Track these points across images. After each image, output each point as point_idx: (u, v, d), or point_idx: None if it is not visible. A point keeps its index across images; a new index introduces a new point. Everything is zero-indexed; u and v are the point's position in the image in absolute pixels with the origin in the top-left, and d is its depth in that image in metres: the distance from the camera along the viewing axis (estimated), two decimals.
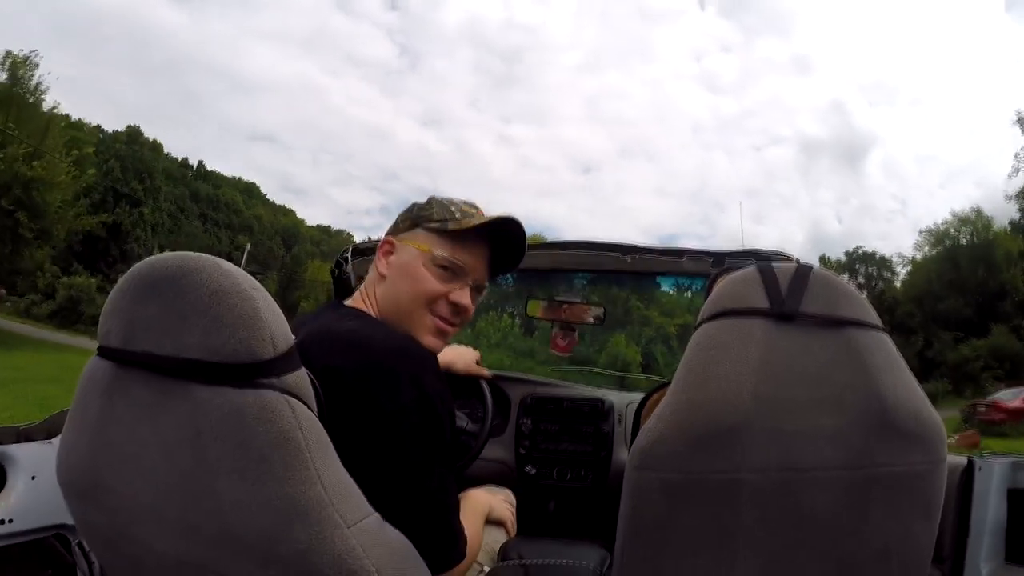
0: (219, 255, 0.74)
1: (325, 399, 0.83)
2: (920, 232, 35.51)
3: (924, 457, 0.78)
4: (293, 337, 0.74)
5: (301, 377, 0.72)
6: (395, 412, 0.86)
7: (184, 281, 0.69)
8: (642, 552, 0.83)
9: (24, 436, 1.16)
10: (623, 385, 2.74)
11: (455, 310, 1.08)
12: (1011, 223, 31.14)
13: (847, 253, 40.40)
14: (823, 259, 38.74)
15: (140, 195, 29.64)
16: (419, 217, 1.10)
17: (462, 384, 1.76)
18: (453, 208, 1.09)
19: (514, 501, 1.55)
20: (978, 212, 32.88)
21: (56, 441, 1.16)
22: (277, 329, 0.70)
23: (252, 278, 0.73)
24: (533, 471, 2.01)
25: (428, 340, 1.07)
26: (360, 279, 2.02)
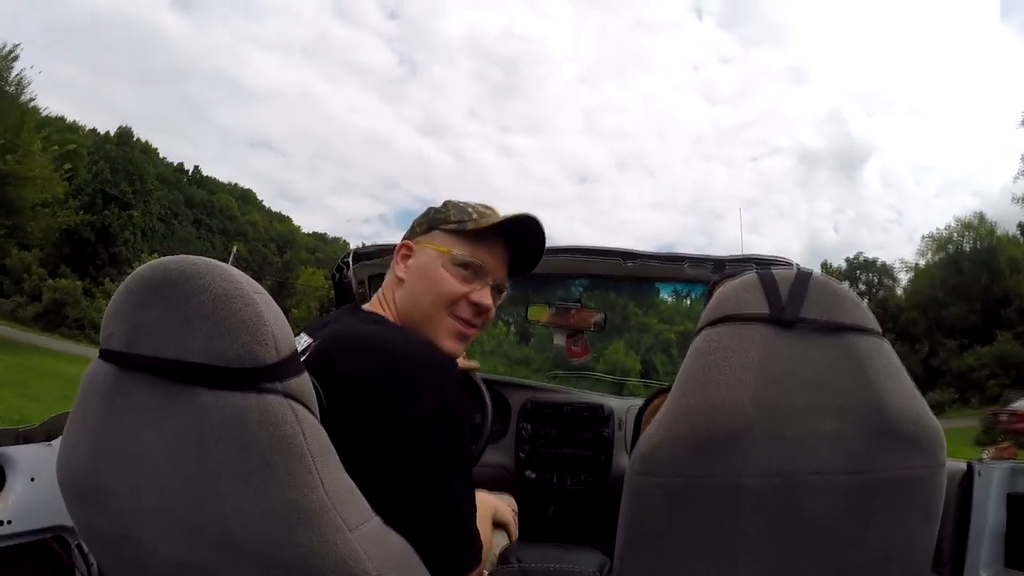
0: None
1: (346, 405, 0.83)
2: (923, 238, 35.10)
3: (924, 462, 0.78)
4: (296, 341, 0.74)
5: (304, 381, 0.73)
6: (417, 420, 0.85)
7: (187, 285, 0.69)
8: (642, 557, 0.83)
9: (23, 438, 1.16)
10: (623, 392, 2.74)
11: (476, 311, 1.07)
12: (1019, 226, 30.89)
13: (848, 260, 40.07)
14: (825, 266, 38.51)
15: (130, 198, 29.25)
16: (436, 220, 1.09)
17: None
18: (470, 209, 1.09)
19: (516, 507, 1.55)
20: (981, 217, 32.63)
21: (56, 443, 1.16)
22: (280, 333, 0.70)
23: (255, 282, 0.73)
24: (533, 476, 2.01)
25: (449, 344, 1.06)
26: (361, 283, 2.02)
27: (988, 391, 24.69)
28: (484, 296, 1.07)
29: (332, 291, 2.11)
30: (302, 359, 0.88)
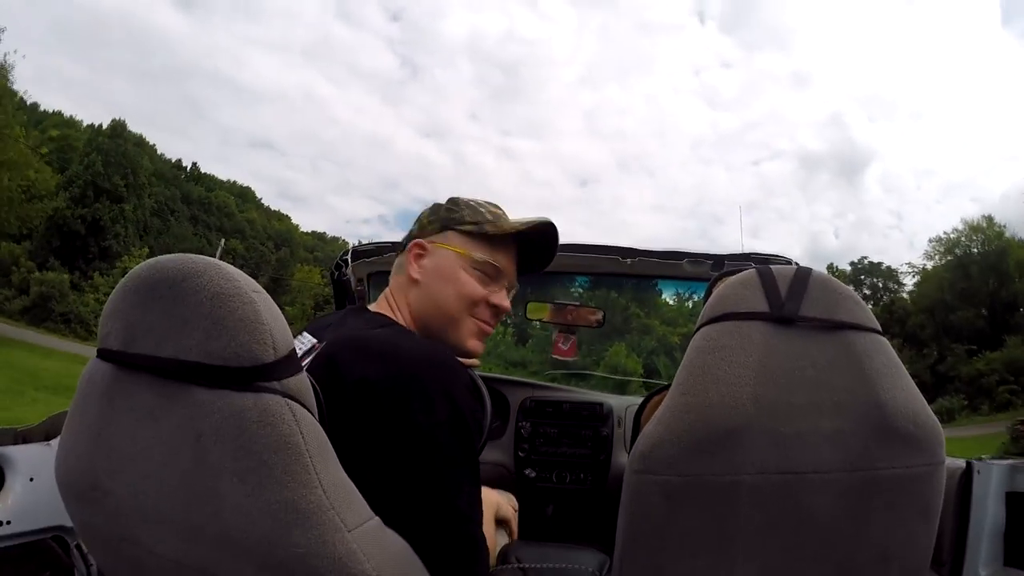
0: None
1: (357, 410, 0.83)
2: (930, 241, 34.68)
3: (923, 460, 0.78)
4: (298, 341, 0.74)
5: (302, 381, 0.72)
6: (428, 427, 0.84)
7: (185, 284, 0.69)
8: (641, 555, 0.83)
9: (22, 438, 1.16)
10: (624, 392, 2.74)
11: (495, 312, 1.08)
12: None
13: (852, 264, 39.53)
14: (831, 268, 38.10)
15: (122, 191, 28.81)
16: (450, 219, 1.08)
17: None
18: (483, 210, 1.08)
19: (516, 504, 1.55)
20: (989, 220, 32.15)
21: (54, 443, 1.16)
22: (278, 332, 0.70)
23: (254, 281, 0.73)
24: (532, 474, 2.01)
25: (472, 343, 1.08)
26: (360, 281, 2.02)
27: (998, 397, 24.39)
28: (503, 298, 1.08)
29: (328, 289, 2.11)
30: (308, 360, 0.90)
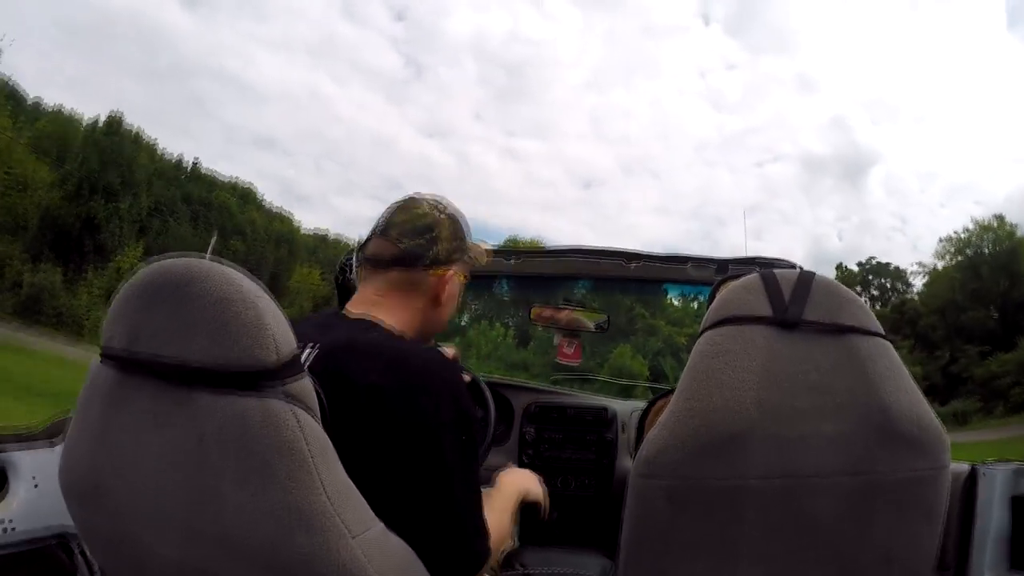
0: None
1: (366, 416, 0.86)
2: (940, 240, 33.46)
3: (926, 463, 0.78)
4: (297, 344, 0.74)
5: (305, 384, 0.72)
6: (437, 428, 0.88)
7: (189, 288, 0.69)
8: (646, 559, 0.83)
9: (25, 440, 1.16)
10: (629, 396, 2.73)
11: None
12: None
13: (859, 264, 38.35)
14: (840, 267, 37.38)
15: (118, 188, 28.31)
16: (459, 250, 1.13)
17: None
18: (468, 243, 1.17)
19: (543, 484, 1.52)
20: (1000, 219, 31.18)
21: (58, 445, 1.16)
22: (281, 336, 0.70)
23: (258, 285, 0.73)
24: None
25: (447, 351, 1.18)
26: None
27: (1012, 399, 23.57)
28: None
29: (327, 289, 2.11)
30: (306, 364, 0.89)
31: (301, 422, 0.69)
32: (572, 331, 2.15)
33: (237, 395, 0.67)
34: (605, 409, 2.05)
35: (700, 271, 1.87)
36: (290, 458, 0.67)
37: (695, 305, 2.36)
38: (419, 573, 0.83)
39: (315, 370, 0.87)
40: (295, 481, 0.67)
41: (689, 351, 0.84)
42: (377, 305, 1.07)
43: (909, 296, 34.41)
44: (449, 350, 1.51)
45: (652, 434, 0.80)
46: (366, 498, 0.77)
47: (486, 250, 1.20)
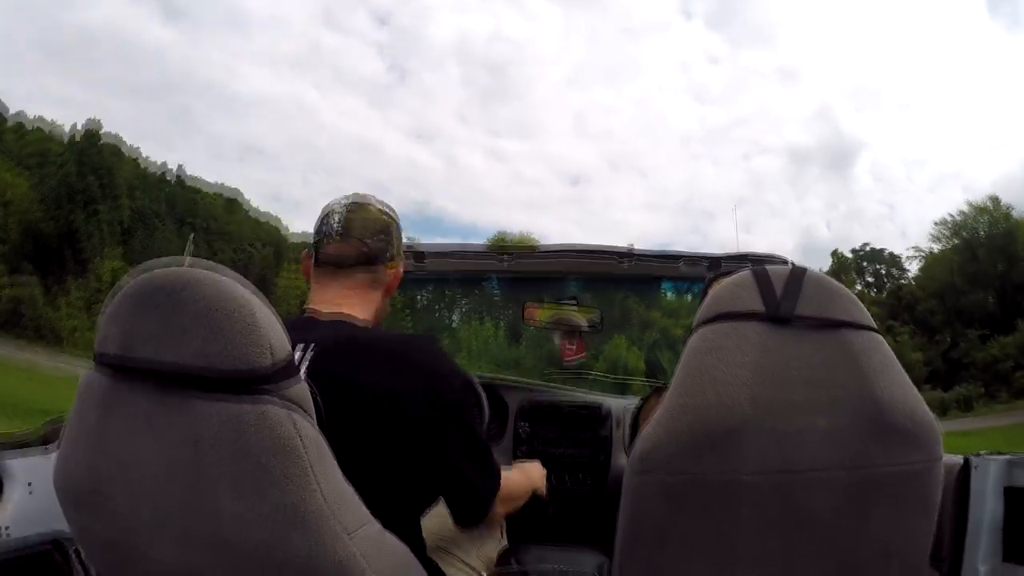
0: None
1: (383, 405, 0.95)
2: (935, 224, 32.61)
3: (920, 456, 0.79)
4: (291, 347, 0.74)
5: (300, 387, 0.72)
6: (451, 406, 1.02)
7: (182, 292, 0.69)
8: (641, 556, 0.83)
9: (20, 445, 1.15)
10: (625, 391, 2.73)
11: None
12: None
13: (853, 251, 37.19)
14: (835, 254, 36.29)
15: (96, 193, 27.78)
16: (402, 246, 1.23)
17: None
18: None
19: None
20: (995, 201, 30.38)
21: (52, 450, 1.16)
22: (275, 339, 0.70)
23: (252, 289, 0.73)
24: None
25: None
26: None
27: (1015, 383, 23.20)
28: None
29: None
30: (305, 365, 0.95)
31: (297, 424, 0.69)
32: (570, 331, 2.15)
33: (232, 399, 0.67)
34: (599, 406, 2.05)
35: (692, 268, 1.88)
36: (286, 460, 0.67)
37: (688, 297, 2.37)
38: (415, 570, 0.83)
39: (315, 369, 0.94)
40: (291, 483, 0.67)
41: (685, 343, 0.84)
42: (345, 303, 1.11)
43: (904, 281, 33.70)
44: None
45: (646, 430, 0.80)
46: (385, 469, 0.94)
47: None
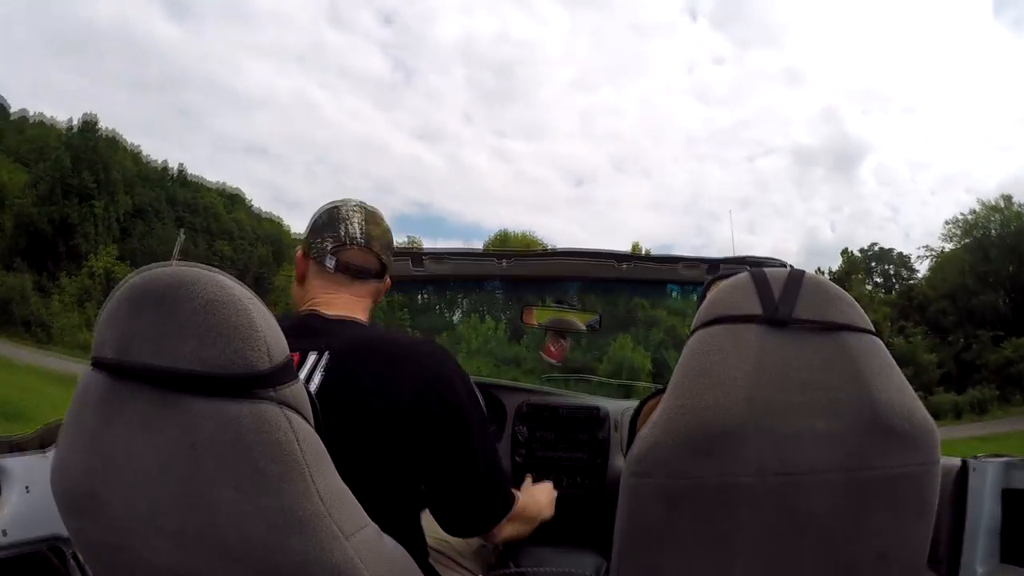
0: (196, 260, 0.74)
1: (404, 404, 0.97)
2: (946, 222, 32.02)
3: (918, 459, 0.79)
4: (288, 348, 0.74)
5: (298, 389, 0.72)
6: (466, 406, 1.05)
7: (179, 293, 0.69)
8: (639, 558, 0.83)
9: (17, 447, 1.15)
10: (627, 395, 2.72)
11: None
12: None
13: (862, 251, 36.64)
14: (845, 252, 35.91)
15: (92, 188, 26.93)
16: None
17: None
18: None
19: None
20: (1007, 199, 29.74)
21: (50, 452, 1.15)
22: (273, 340, 0.70)
23: (248, 289, 0.73)
24: (529, 479, 2.00)
25: None
26: None
27: None
28: None
29: None
30: (321, 370, 0.97)
31: (294, 426, 0.69)
32: (562, 332, 2.15)
33: (230, 401, 0.67)
34: (597, 408, 2.05)
35: (691, 271, 1.88)
36: (283, 462, 0.67)
37: (693, 296, 2.38)
38: (412, 572, 0.83)
39: (332, 371, 0.96)
40: (288, 485, 0.67)
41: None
42: (354, 308, 1.13)
43: (914, 282, 33.16)
44: None
45: (644, 432, 0.80)
46: (400, 469, 0.97)
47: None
